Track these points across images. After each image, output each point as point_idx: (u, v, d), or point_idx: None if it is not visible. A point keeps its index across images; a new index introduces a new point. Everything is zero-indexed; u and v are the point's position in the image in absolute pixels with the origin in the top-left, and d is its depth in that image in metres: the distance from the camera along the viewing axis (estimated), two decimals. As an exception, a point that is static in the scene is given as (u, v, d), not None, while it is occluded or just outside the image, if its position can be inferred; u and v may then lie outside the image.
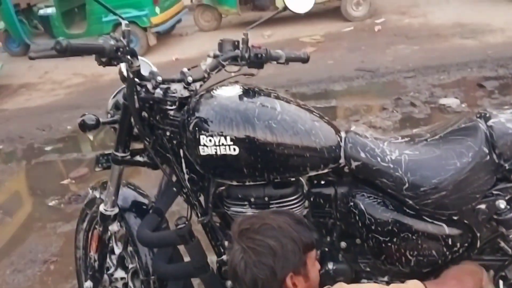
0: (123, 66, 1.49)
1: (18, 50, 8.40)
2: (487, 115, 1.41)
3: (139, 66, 1.46)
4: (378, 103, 4.29)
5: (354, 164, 1.42)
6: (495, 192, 1.35)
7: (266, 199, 1.47)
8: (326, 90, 4.85)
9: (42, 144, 4.70)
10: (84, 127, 1.60)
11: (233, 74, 1.61)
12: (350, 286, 1.22)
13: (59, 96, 6.20)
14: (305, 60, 1.68)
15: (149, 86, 1.53)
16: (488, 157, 1.33)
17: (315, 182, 1.51)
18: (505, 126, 1.35)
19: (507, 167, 1.32)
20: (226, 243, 1.57)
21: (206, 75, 1.56)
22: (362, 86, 4.85)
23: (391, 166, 1.38)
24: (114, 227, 1.77)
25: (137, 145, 1.70)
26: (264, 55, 1.56)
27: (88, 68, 6.43)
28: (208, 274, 1.39)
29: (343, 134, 1.48)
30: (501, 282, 1.46)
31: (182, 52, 6.97)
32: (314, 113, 1.50)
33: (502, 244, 1.48)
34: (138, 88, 1.54)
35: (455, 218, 1.37)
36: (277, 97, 1.50)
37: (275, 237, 1.12)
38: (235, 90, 1.50)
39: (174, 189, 1.61)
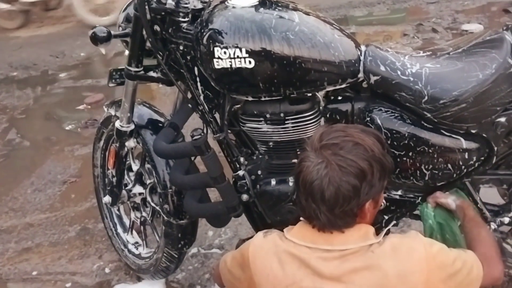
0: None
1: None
2: (514, 27, 1.35)
3: None
4: (399, 29, 4.17)
5: (373, 78, 1.39)
6: (516, 106, 1.33)
7: (282, 115, 1.46)
8: (346, 16, 4.69)
9: (57, 71, 4.69)
10: (95, 39, 1.57)
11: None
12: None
13: (71, 23, 6.11)
14: None
15: (160, -4, 1.48)
16: (512, 69, 1.29)
17: (332, 98, 1.49)
18: (533, 37, 1.30)
19: (531, 79, 1.28)
20: (241, 159, 1.59)
21: (218, -14, 1.51)
22: (383, 11, 4.68)
23: (411, 79, 1.35)
24: (130, 143, 1.79)
25: (150, 62, 1.67)
26: None
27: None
28: (224, 184, 1.42)
29: (363, 48, 1.44)
30: (515, 194, 1.47)
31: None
32: (334, 25, 1.45)
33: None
34: (150, -1, 1.49)
35: (473, 131, 1.35)
36: (296, 9, 1.44)
37: (367, 161, 1.04)
38: (251, 0, 1.44)
39: (189, 105, 1.60)
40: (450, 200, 1.40)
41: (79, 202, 2.67)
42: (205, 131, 1.46)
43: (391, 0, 4.80)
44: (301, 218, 1.16)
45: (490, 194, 1.61)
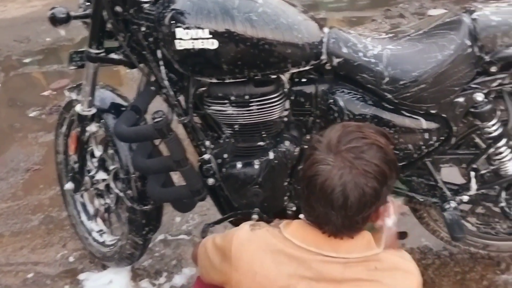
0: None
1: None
2: (472, 9, 1.38)
3: None
4: (368, 14, 4.20)
5: (335, 60, 1.39)
6: (474, 86, 1.36)
7: (247, 97, 1.45)
8: (315, 1, 4.68)
9: (21, 56, 4.56)
10: (54, 20, 1.52)
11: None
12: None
13: (36, 7, 5.91)
14: None
15: (121, -25, 1.44)
16: (469, 50, 1.32)
17: (296, 80, 1.49)
18: (488, 18, 1.33)
19: (487, 60, 1.31)
20: (207, 143, 1.58)
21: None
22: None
23: (373, 61, 1.36)
24: (92, 127, 1.75)
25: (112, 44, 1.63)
26: None
27: (67, -22, 6.06)
28: (188, 168, 1.40)
29: (326, 30, 1.44)
30: (472, 173, 1.50)
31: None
32: (297, 8, 1.44)
33: (477, 139, 1.51)
34: (109, -22, 1.45)
35: (433, 111, 1.38)
36: None
37: (387, 164, 0.99)
38: None
39: (153, 88, 1.57)
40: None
41: (42, 190, 2.61)
42: (167, 113, 1.44)
43: (360, -14, 4.82)
44: (300, 216, 1.10)
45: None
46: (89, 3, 1.58)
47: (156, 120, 1.31)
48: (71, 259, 2.12)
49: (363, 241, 1.04)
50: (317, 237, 1.03)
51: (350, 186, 0.96)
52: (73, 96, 1.82)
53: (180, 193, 1.49)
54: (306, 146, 1.55)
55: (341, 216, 0.98)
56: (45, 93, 3.74)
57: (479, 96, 1.35)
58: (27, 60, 4.45)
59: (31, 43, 4.81)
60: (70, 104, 1.86)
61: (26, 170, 2.83)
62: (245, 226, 1.13)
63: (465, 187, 1.54)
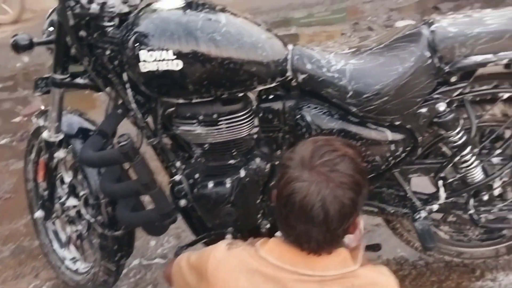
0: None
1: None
2: (431, 21, 1.41)
3: None
4: (337, 28, 4.28)
5: (300, 77, 1.41)
6: (435, 96, 1.39)
7: (215, 116, 1.45)
8: (286, 17, 4.77)
9: (-12, 83, 4.49)
10: (16, 47, 1.51)
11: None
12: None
13: (6, 33, 5.83)
14: None
15: (83, 0, 1.43)
16: (429, 61, 1.34)
17: (264, 97, 1.50)
18: (446, 30, 1.36)
19: (447, 70, 1.34)
20: (178, 163, 1.57)
21: (146, -12, 1.49)
22: (321, 12, 4.79)
23: (336, 75, 1.38)
24: (60, 153, 1.72)
25: (77, 69, 1.62)
26: None
27: (37, 4, 6.03)
28: (156, 191, 1.38)
29: (290, 47, 1.45)
30: (440, 182, 1.52)
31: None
32: (261, 26, 1.46)
33: (444, 148, 1.54)
34: (72, 3, 1.44)
35: (397, 123, 1.40)
36: (223, 10, 1.44)
37: (359, 174, 1.01)
38: (177, 3, 1.43)
39: (119, 111, 1.56)
40: None
41: (14, 219, 2.55)
42: (132, 137, 1.44)
43: (329, 1, 4.92)
44: (276, 234, 1.10)
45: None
46: (53, 29, 1.57)
47: (121, 144, 1.30)
48: (43, 289, 2.07)
49: (339, 258, 1.04)
50: (293, 255, 1.03)
51: (329, 199, 0.96)
52: (41, 122, 1.80)
53: (149, 216, 1.47)
54: (277, 163, 1.55)
55: (323, 231, 0.98)
56: (16, 119, 3.67)
57: (441, 106, 1.37)
58: (-5, 86, 4.39)
59: (1, 68, 4.74)
60: (38, 131, 1.84)
61: (-3, 199, 2.76)
62: (222, 244, 1.12)
63: (434, 196, 1.56)
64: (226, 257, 1.08)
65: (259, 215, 1.60)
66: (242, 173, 1.51)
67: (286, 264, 1.02)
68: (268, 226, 1.61)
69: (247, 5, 4.82)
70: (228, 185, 1.51)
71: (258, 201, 1.56)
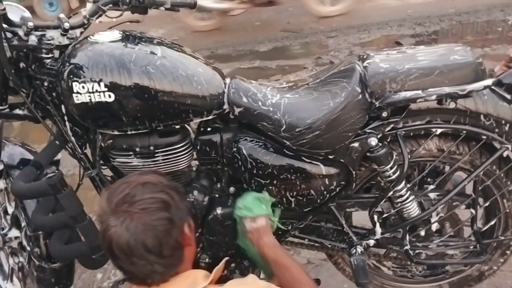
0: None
1: None
2: (365, 57, 1.44)
3: (4, 9, 1.36)
4: (300, 62, 4.35)
5: (237, 110, 1.42)
6: (368, 131, 1.40)
7: (152, 148, 1.44)
8: (250, 51, 4.84)
9: None
10: None
11: (115, 20, 1.55)
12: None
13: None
14: (192, 6, 1.62)
15: (21, 32, 1.43)
16: (360, 96, 1.36)
17: (202, 129, 1.50)
18: (378, 65, 1.38)
19: (377, 105, 1.35)
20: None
21: (86, 21, 1.50)
22: (286, 46, 4.90)
23: (271, 109, 1.39)
24: (0, 184, 1.69)
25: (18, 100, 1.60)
26: None
27: None
28: (85, 223, 1.36)
29: (227, 80, 1.47)
30: (375, 217, 1.53)
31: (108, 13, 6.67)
32: (199, 59, 1.47)
33: (382, 183, 1.55)
34: (9, 35, 1.44)
35: (330, 157, 1.41)
36: (160, 43, 1.45)
37: (162, 191, 1.05)
38: (113, 36, 1.43)
39: (57, 142, 1.54)
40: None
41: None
42: (60, 169, 1.41)
43: (294, 36, 5.04)
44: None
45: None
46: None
47: (48, 175, 1.28)
48: (-17, 325, 1.97)
49: (188, 280, 1.08)
50: None
51: (140, 230, 0.99)
52: (-18, 152, 1.75)
53: (80, 249, 1.43)
54: (217, 195, 1.54)
55: (155, 260, 1.02)
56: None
57: (373, 141, 1.39)
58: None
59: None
60: (-21, 161, 1.79)
61: None
62: None
63: (371, 231, 1.56)
64: None
65: (198, 249, 1.57)
66: (180, 205, 1.49)
67: None
68: (207, 260, 1.59)
69: (213, 38, 4.90)
70: (166, 218, 1.49)
71: (197, 234, 1.54)
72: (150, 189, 1.04)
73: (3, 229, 1.79)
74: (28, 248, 1.68)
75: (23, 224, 1.70)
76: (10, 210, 1.76)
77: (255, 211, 1.40)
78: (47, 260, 1.60)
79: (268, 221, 1.41)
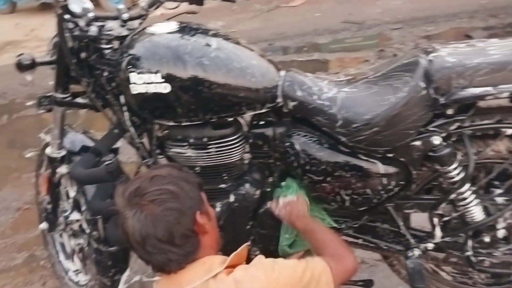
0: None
1: (5, 8, 8.34)
2: (430, 50, 1.35)
3: (66, 0, 1.40)
4: (361, 55, 4.22)
5: (291, 103, 1.38)
6: (431, 129, 1.32)
7: (205, 139, 1.44)
8: (310, 43, 4.75)
9: (24, 99, 4.67)
10: (20, 67, 1.56)
11: (172, 11, 1.56)
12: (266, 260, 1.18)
13: (44, 53, 6.09)
14: None
15: (81, 23, 1.47)
16: (424, 92, 1.27)
17: (255, 122, 1.48)
18: (444, 59, 1.29)
19: (442, 102, 1.26)
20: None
21: (144, 12, 1.53)
22: (347, 38, 4.75)
23: (327, 103, 1.35)
24: (62, 169, 1.77)
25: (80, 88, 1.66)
26: None
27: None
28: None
29: (282, 73, 1.43)
30: (435, 220, 1.44)
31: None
32: (253, 51, 1.45)
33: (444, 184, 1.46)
34: (71, 25, 1.49)
35: (389, 155, 1.34)
36: (215, 35, 1.44)
37: (170, 182, 1.10)
38: (170, 27, 1.44)
39: (116, 131, 1.58)
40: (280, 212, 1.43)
41: (30, 228, 2.62)
42: (120, 156, 1.44)
43: (356, 27, 4.89)
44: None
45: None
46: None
47: (106, 162, 1.31)
48: (48, 298, 2.10)
49: (204, 266, 1.10)
50: (166, 281, 1.12)
51: (148, 221, 1.04)
52: (48, 138, 1.85)
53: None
54: (268, 189, 1.52)
55: (169, 248, 1.06)
56: (41, 134, 3.80)
57: (436, 140, 1.30)
58: (29, 103, 4.57)
59: (35, 86, 4.93)
60: (46, 146, 1.89)
61: (17, 209, 2.87)
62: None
63: (430, 234, 1.48)
64: None
65: (248, 242, 1.55)
66: (232, 198, 1.49)
67: None
68: (257, 253, 1.57)
69: (272, 30, 4.87)
70: (218, 209, 1.50)
71: (248, 227, 1.52)
72: (159, 182, 1.09)
73: (65, 211, 1.88)
74: (88, 231, 1.76)
75: (83, 208, 1.77)
76: (72, 194, 1.83)
77: (289, 192, 1.43)
78: (105, 244, 1.66)
79: (301, 198, 1.42)
